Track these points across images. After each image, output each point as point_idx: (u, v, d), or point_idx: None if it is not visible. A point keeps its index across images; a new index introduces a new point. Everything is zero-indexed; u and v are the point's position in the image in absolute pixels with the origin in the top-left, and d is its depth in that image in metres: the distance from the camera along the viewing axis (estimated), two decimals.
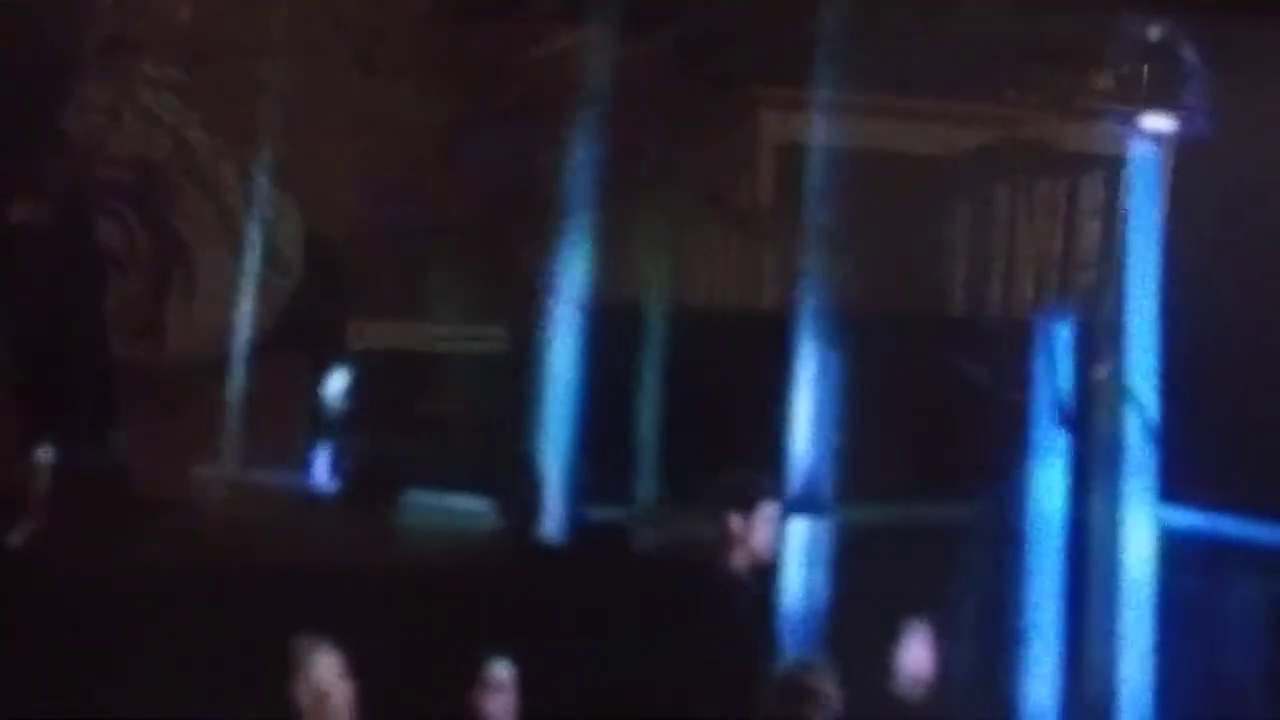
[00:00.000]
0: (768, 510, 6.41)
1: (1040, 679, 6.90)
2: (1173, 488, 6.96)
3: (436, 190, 7.24)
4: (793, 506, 6.70)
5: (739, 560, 6.38)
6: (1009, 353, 7.06)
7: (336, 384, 6.98)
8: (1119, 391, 6.99)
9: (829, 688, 6.17)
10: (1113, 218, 7.40)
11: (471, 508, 6.68)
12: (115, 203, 7.23)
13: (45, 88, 7.05)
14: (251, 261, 7.26)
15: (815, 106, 7.10)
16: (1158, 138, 7.18)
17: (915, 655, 6.48)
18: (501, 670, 5.98)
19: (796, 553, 6.74)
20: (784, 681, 6.25)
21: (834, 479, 6.83)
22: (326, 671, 5.65)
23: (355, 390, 7.05)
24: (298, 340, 7.24)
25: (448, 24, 7.27)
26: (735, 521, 6.35)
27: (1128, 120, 7.14)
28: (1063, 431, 7.00)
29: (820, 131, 7.13)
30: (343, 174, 7.23)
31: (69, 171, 7.12)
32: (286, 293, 7.32)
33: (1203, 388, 6.93)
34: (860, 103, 7.36)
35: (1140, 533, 6.91)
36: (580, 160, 7.03)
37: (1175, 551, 6.93)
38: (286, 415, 7.16)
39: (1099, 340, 7.09)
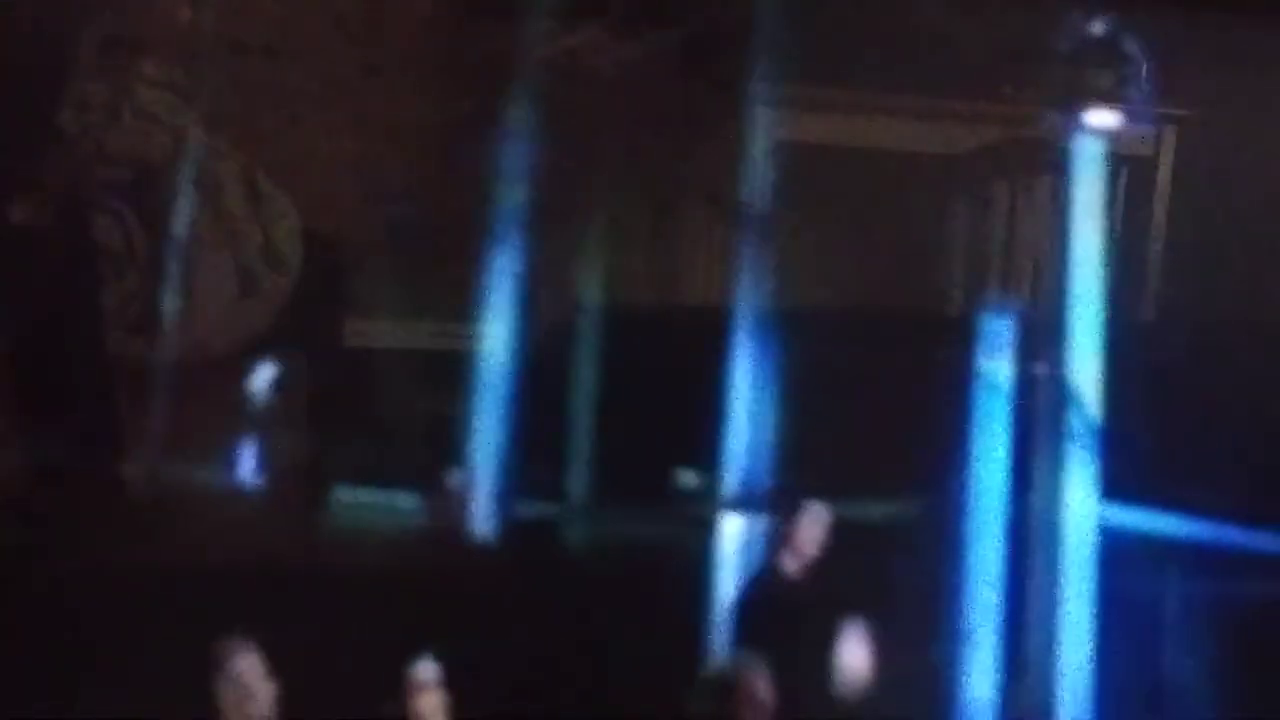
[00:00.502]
0: (811, 512, 6.53)
1: (980, 677, 6.89)
2: (1114, 486, 6.96)
3: (436, 190, 7.25)
4: (730, 504, 6.73)
5: (788, 562, 6.53)
6: (951, 349, 7.06)
7: (264, 377, 7.00)
8: (1061, 389, 6.98)
9: (762, 686, 6.19)
10: (1059, 214, 7.38)
11: (400, 505, 6.70)
12: (113, 202, 7.23)
13: (44, 87, 7.06)
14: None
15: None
16: (1104, 135, 7.17)
17: (853, 653, 6.49)
18: (428, 669, 5.99)
19: (733, 549, 6.76)
20: (716, 679, 6.27)
21: (773, 476, 6.84)
22: (249, 671, 5.67)
23: (349, 389, 7.08)
24: (295, 339, 7.22)
25: (448, 24, 7.27)
26: (781, 526, 6.55)
27: (1070, 116, 7.12)
28: (1004, 428, 6.99)
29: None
30: (341, 173, 7.23)
31: (67, 170, 7.12)
32: (284, 291, 7.31)
33: (1145, 386, 6.92)
34: (859, 100, 7.45)
35: (1081, 531, 6.91)
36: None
37: (1116, 550, 6.93)
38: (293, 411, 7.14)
39: (1041, 337, 7.08)
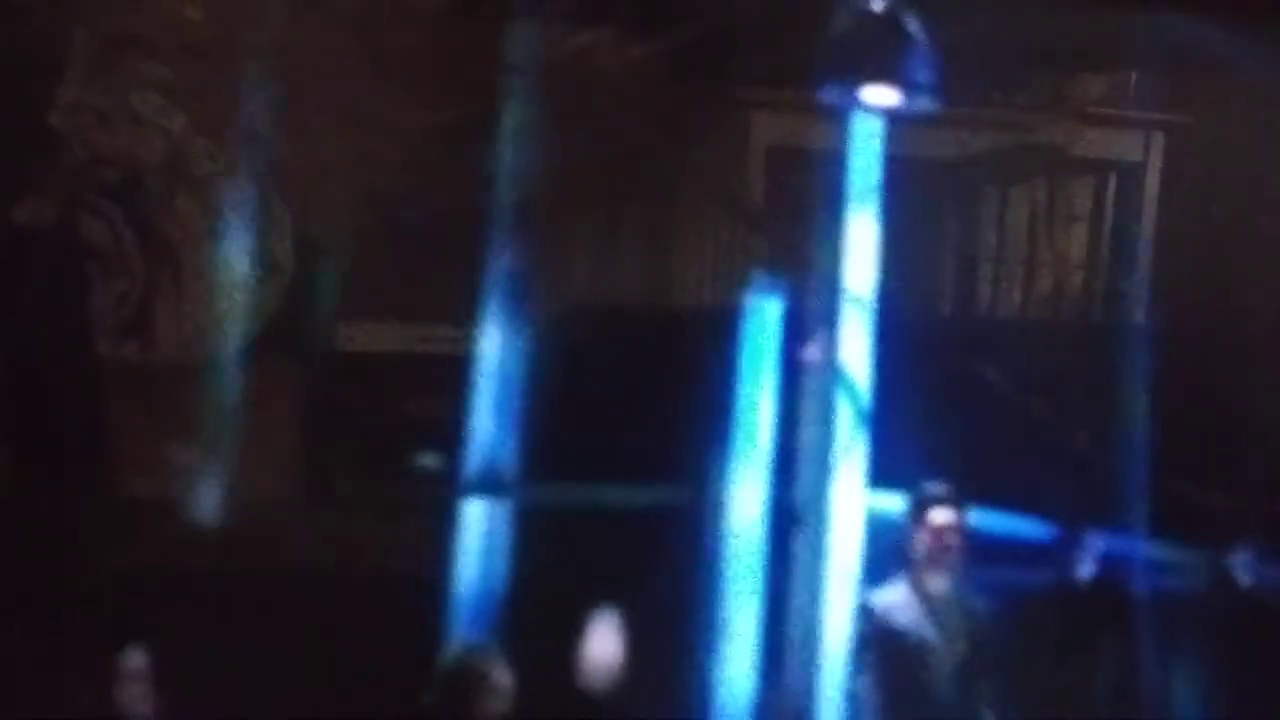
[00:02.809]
0: (939, 512, 6.31)
1: (737, 671, 6.72)
2: (883, 474, 6.83)
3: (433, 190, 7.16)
4: (471, 487, 6.55)
5: (925, 562, 6.32)
6: (721, 334, 6.93)
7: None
8: (831, 375, 6.84)
9: (500, 676, 5.99)
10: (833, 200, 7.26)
11: None
12: (104, 203, 7.30)
13: (39, 87, 7.16)
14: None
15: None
16: (881, 113, 7.03)
17: (601, 645, 6.30)
18: (135, 659, 5.78)
19: (474, 535, 6.59)
20: (452, 669, 6.06)
21: (518, 459, 6.66)
22: None
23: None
24: (287, 341, 7.16)
25: (449, 24, 7.20)
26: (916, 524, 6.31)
27: (846, 94, 6.97)
28: (770, 415, 6.85)
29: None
30: (335, 174, 7.10)
31: (60, 171, 7.18)
32: (277, 293, 7.27)
33: (916, 371, 6.83)
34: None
35: (848, 520, 6.75)
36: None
37: (883, 539, 6.80)
38: (274, 416, 7.06)
39: (812, 322, 6.94)
